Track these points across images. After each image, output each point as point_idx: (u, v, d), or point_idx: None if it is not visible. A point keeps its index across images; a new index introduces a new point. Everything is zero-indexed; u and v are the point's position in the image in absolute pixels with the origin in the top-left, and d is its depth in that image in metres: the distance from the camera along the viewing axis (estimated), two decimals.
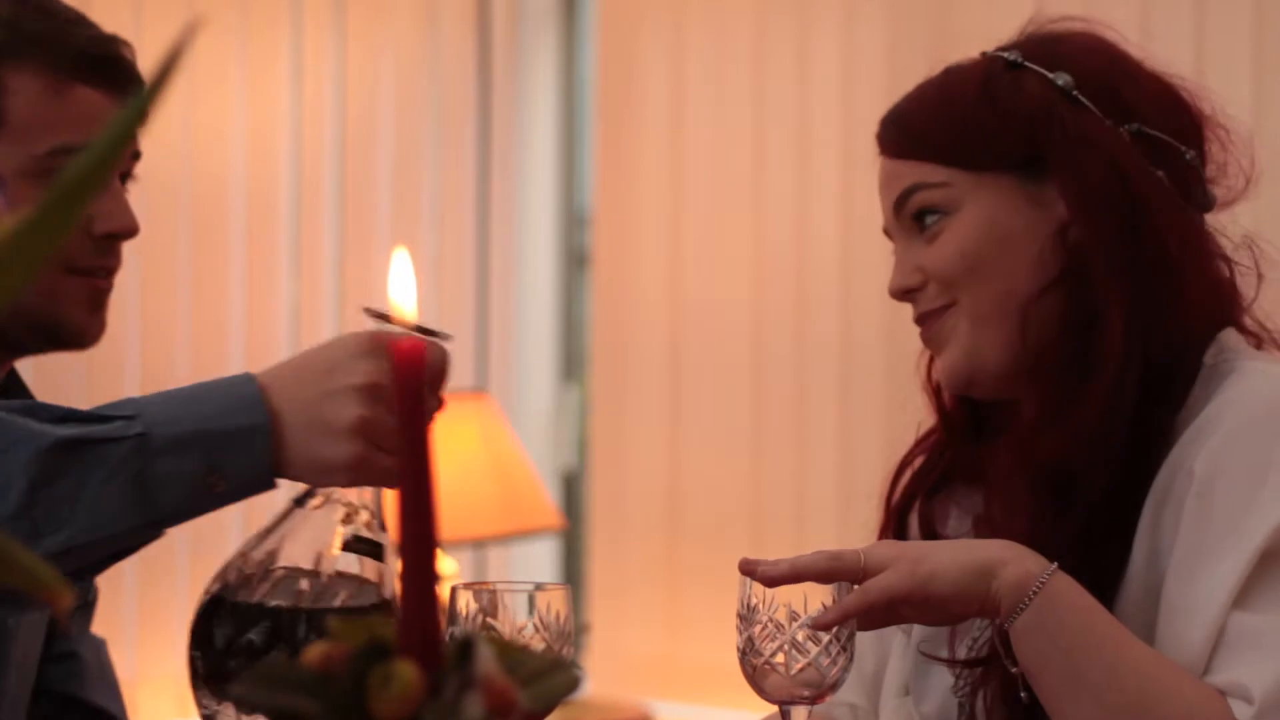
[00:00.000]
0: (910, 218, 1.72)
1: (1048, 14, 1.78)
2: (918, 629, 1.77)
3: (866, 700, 1.82)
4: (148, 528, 1.41)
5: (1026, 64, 1.70)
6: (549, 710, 0.84)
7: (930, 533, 1.79)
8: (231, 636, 1.39)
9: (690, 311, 4.02)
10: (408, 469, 0.79)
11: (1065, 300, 1.65)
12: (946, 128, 1.70)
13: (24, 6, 1.84)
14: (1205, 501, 1.57)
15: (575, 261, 4.49)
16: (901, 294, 1.73)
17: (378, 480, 1.43)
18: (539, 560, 4.33)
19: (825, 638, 1.52)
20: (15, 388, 1.92)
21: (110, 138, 0.69)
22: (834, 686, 1.54)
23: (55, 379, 3.41)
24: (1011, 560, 1.55)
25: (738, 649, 1.55)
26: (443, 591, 0.94)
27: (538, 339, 4.43)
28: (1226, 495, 1.56)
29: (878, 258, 3.82)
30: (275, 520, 1.44)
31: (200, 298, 3.89)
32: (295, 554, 1.43)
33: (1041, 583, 1.54)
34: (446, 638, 0.81)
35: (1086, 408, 1.61)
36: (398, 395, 0.79)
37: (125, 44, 1.89)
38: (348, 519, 1.43)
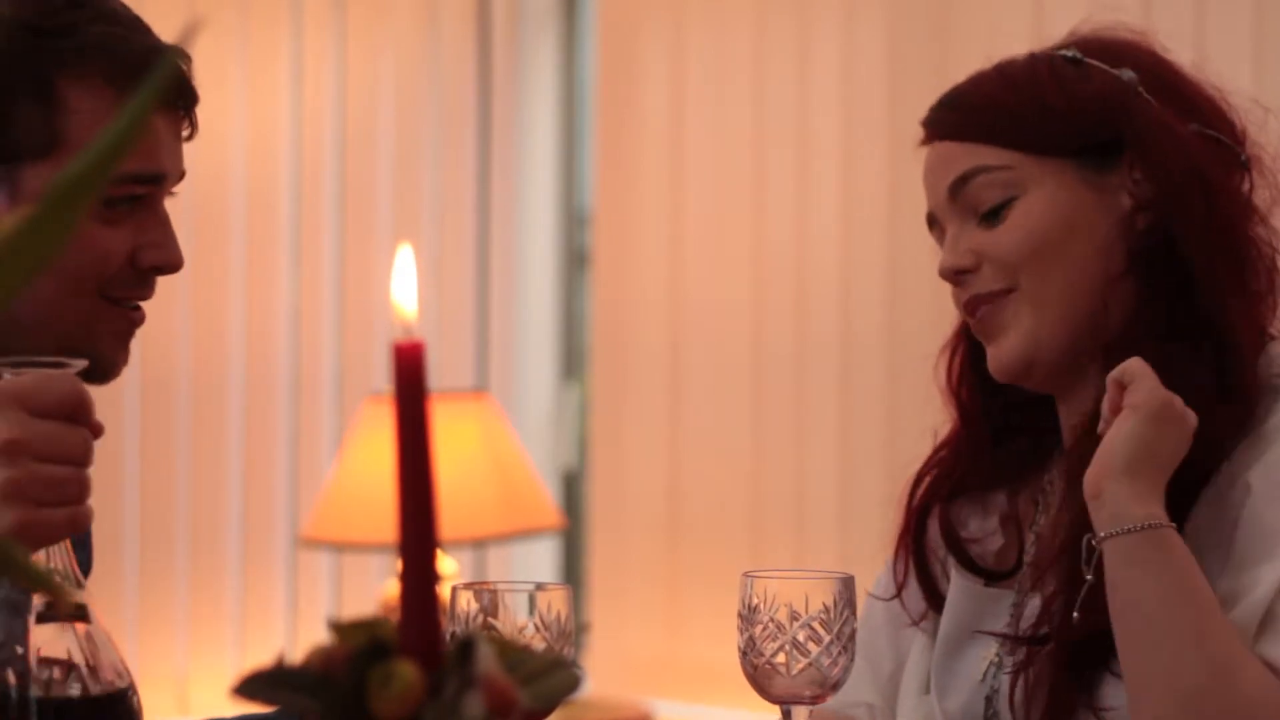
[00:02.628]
0: (967, 202, 1.71)
1: (1098, 18, 1.77)
2: (943, 627, 1.77)
3: (882, 700, 1.82)
4: None
5: (1087, 60, 1.71)
6: (549, 710, 0.84)
7: (952, 536, 1.79)
8: None
9: (690, 311, 4.02)
10: (407, 469, 0.79)
11: (1138, 284, 1.67)
12: (1012, 109, 1.70)
13: (82, 10, 1.66)
14: (1258, 511, 1.59)
15: (575, 261, 4.49)
16: (953, 275, 1.72)
17: (51, 537, 1.31)
18: (539, 560, 4.33)
19: (826, 638, 1.52)
20: None
21: (110, 138, 0.69)
22: (835, 686, 1.54)
23: None
24: (1148, 497, 1.57)
25: (739, 649, 1.55)
26: (443, 591, 0.94)
27: (538, 339, 4.43)
28: (1276, 504, 1.58)
29: (877, 258, 3.83)
30: None
31: (200, 298, 3.89)
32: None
33: (1153, 524, 1.55)
34: (447, 638, 0.80)
35: (1207, 363, 1.63)
36: (397, 395, 0.79)
37: (185, 56, 1.72)
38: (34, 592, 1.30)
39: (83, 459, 1.34)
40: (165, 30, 1.75)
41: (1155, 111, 1.68)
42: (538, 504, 3.68)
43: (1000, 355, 1.70)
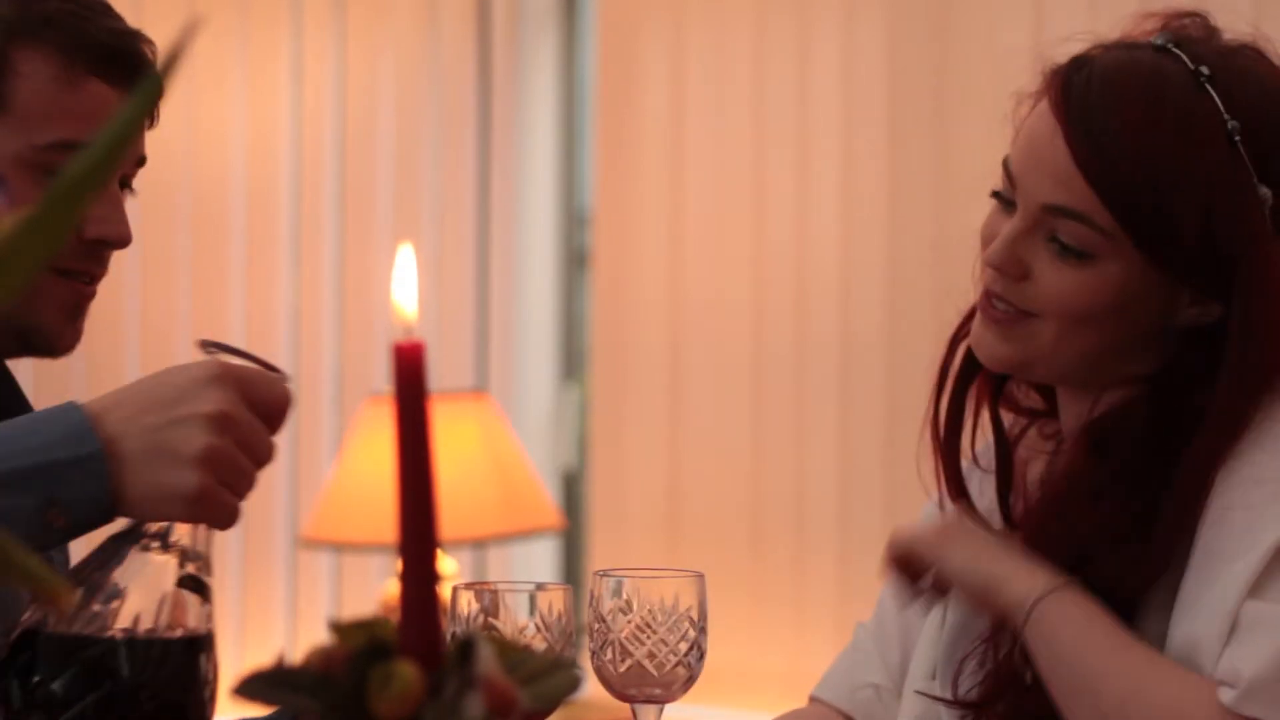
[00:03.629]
0: (1051, 225, 1.62)
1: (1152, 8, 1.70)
2: (950, 617, 1.76)
3: (890, 683, 1.82)
4: None
5: (1241, 148, 1.60)
6: (550, 710, 0.84)
7: (1004, 448, 1.75)
8: (62, 670, 1.29)
9: (690, 311, 4.02)
10: (407, 469, 0.79)
11: (1157, 361, 1.65)
12: (1145, 203, 1.59)
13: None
14: (1223, 514, 1.58)
15: (575, 261, 4.48)
16: (995, 269, 1.65)
17: (218, 518, 1.35)
18: (539, 560, 4.33)
19: (693, 634, 1.52)
20: (8, 391, 1.82)
21: (110, 137, 0.69)
22: (686, 683, 1.54)
23: (56, 380, 3.41)
24: (1015, 578, 1.60)
25: (590, 649, 1.55)
26: (443, 591, 0.94)
27: (538, 339, 4.43)
28: (1245, 505, 1.57)
29: (877, 258, 3.82)
30: (103, 557, 1.33)
31: (200, 298, 3.88)
32: (140, 599, 1.32)
33: (1039, 597, 1.58)
34: (447, 638, 0.80)
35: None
36: (397, 395, 0.79)
37: (147, 41, 1.80)
38: (182, 561, 1.35)
39: (264, 463, 1.39)
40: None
41: (1271, 264, 1.61)
42: (538, 504, 3.68)
43: (993, 349, 1.67)
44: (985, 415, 1.77)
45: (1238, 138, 1.61)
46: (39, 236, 0.68)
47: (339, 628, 0.80)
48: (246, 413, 1.37)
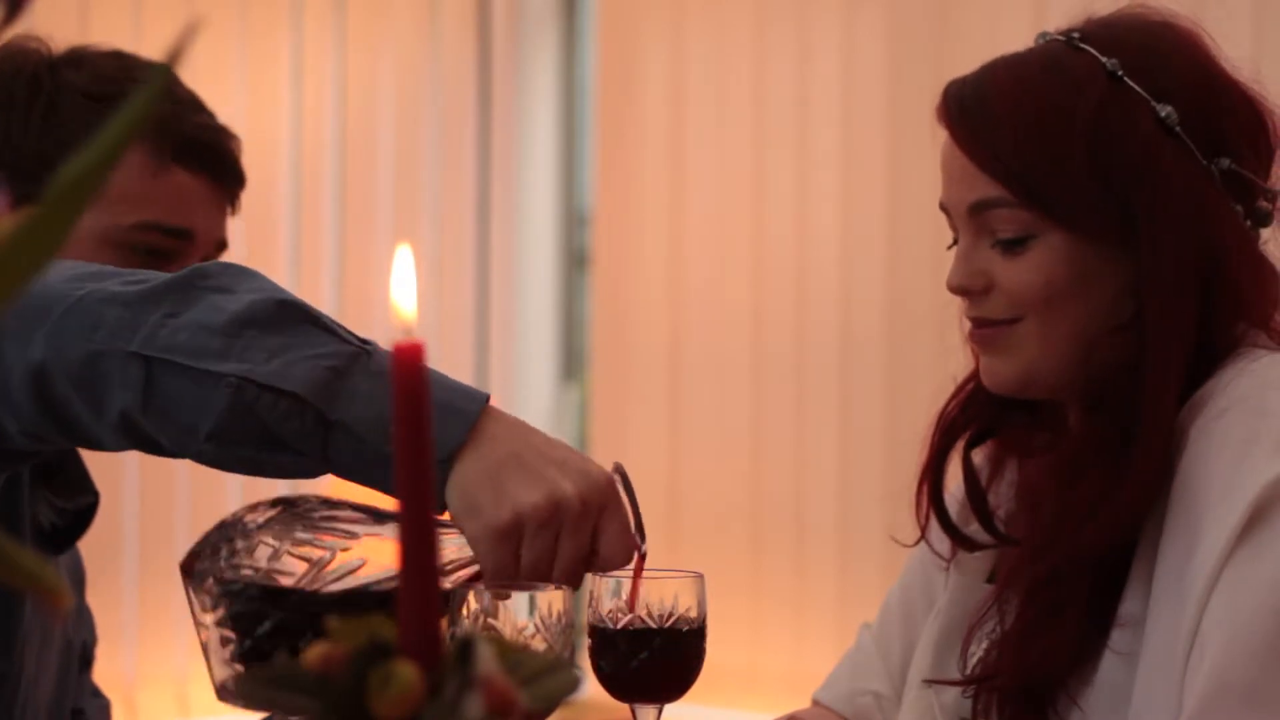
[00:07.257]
0: (985, 224, 1.66)
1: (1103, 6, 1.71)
2: (941, 621, 1.75)
3: (891, 689, 1.82)
4: (313, 420, 1.34)
5: (1127, 80, 1.63)
6: (549, 710, 0.84)
7: (974, 484, 1.76)
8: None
9: (690, 311, 4.02)
10: (408, 469, 0.79)
11: (1133, 343, 1.63)
12: (1043, 177, 1.62)
13: (137, 84, 1.81)
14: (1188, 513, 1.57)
15: (575, 261, 4.49)
16: (961, 292, 1.68)
17: (483, 560, 1.34)
18: None
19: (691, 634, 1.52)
20: (73, 464, 1.88)
21: (111, 138, 0.69)
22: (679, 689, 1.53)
23: None
24: None
25: (589, 651, 1.54)
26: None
27: (538, 339, 4.43)
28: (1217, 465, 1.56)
29: (878, 257, 3.83)
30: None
31: None
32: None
33: None
34: (447, 638, 0.80)
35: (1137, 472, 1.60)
36: (397, 395, 0.79)
37: (234, 137, 1.90)
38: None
39: (542, 576, 1.36)
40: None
41: (1181, 171, 1.61)
42: None
43: (997, 372, 1.68)
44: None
45: (1120, 73, 1.63)
46: (39, 237, 0.68)
47: (339, 628, 0.80)
48: (586, 530, 1.35)
